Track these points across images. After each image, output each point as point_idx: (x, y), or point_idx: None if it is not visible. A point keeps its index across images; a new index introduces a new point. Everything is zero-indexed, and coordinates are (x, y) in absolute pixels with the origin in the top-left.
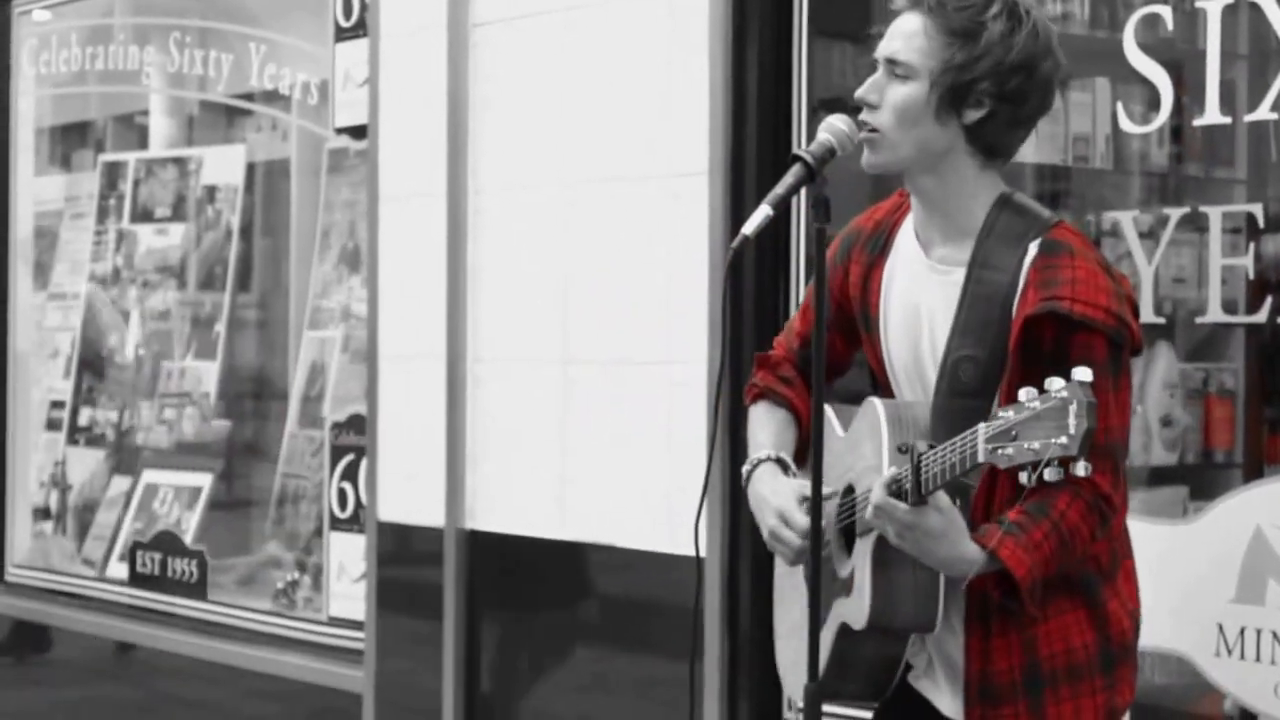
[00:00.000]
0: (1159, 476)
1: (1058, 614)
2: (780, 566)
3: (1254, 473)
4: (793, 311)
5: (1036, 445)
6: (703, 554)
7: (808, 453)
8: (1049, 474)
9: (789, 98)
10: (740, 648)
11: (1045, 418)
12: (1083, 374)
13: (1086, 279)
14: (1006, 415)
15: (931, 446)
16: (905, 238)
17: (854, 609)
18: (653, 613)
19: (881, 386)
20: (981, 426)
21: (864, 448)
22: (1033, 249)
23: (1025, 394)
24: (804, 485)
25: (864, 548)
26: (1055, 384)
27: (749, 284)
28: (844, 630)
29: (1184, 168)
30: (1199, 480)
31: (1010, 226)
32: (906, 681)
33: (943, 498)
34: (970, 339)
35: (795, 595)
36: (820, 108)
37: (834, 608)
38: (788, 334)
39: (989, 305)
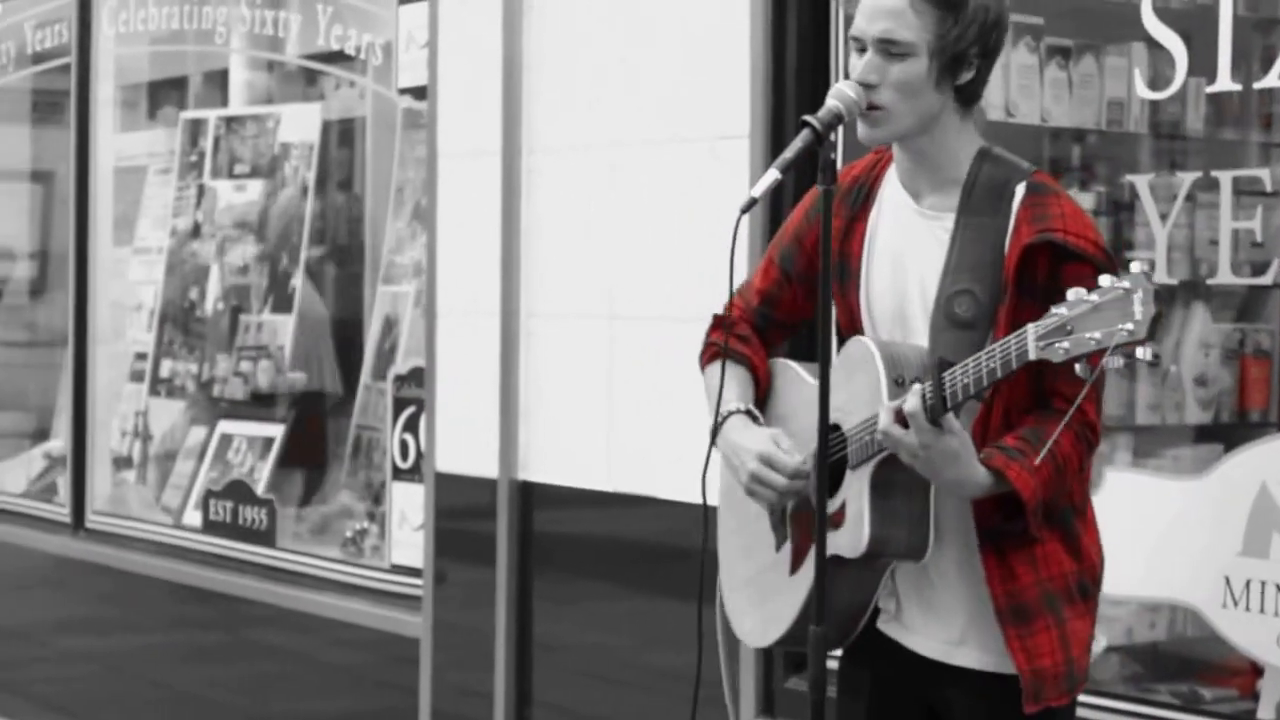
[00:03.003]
0: (1193, 435)
1: (1047, 541)
2: (728, 521)
3: None
4: None
5: (1098, 334)
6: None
7: (766, 406)
8: (1111, 361)
9: (826, 63)
10: None
11: (1106, 309)
12: (1141, 265)
13: (1075, 215)
14: (1059, 313)
15: (949, 365)
16: (890, 189)
17: (848, 538)
18: (695, 562)
19: (845, 339)
20: (1030, 326)
21: (853, 384)
22: (1020, 190)
23: (1074, 293)
24: (778, 432)
25: (859, 478)
26: (1108, 280)
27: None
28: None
29: (1197, 133)
30: (1233, 439)
31: (993, 175)
32: (875, 629)
33: (955, 421)
34: (966, 276)
35: (757, 546)
36: None
37: (814, 548)
38: (745, 292)
39: (981, 245)
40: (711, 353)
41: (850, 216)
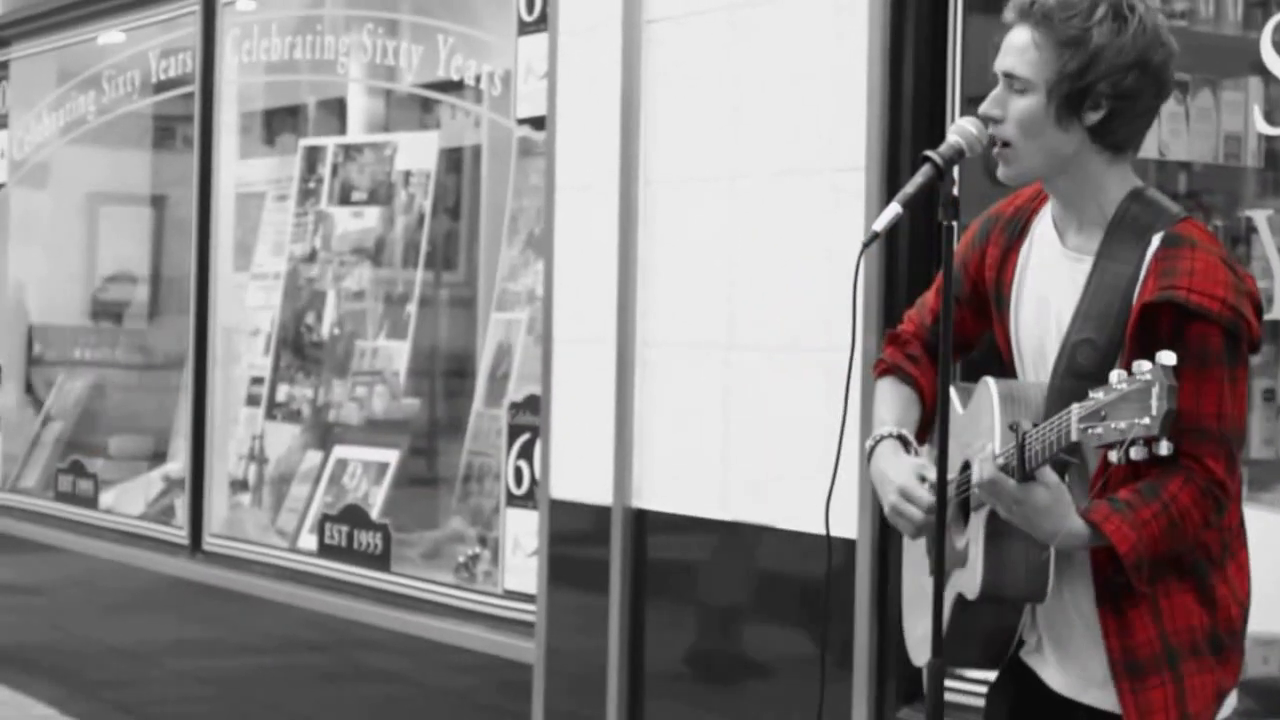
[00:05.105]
0: None
1: (1175, 594)
2: (906, 541)
3: None
4: None
5: (1122, 425)
6: (850, 535)
7: (929, 431)
8: (1134, 453)
9: (943, 97)
10: (889, 627)
11: (1131, 399)
12: (1167, 358)
13: (1204, 271)
14: (1097, 396)
15: (1035, 425)
16: (1043, 225)
17: (968, 580)
18: (812, 593)
19: (1008, 366)
20: (1075, 407)
21: (979, 425)
22: (1155, 241)
23: (1115, 376)
24: (923, 463)
25: (977, 522)
26: (1142, 366)
27: (902, 272)
28: (960, 600)
29: None
30: None
31: (1138, 219)
32: (1019, 656)
33: (1049, 474)
34: (1091, 324)
35: (915, 569)
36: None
37: (953, 578)
38: (920, 309)
39: (1111, 294)
40: (881, 369)
41: (1006, 246)
